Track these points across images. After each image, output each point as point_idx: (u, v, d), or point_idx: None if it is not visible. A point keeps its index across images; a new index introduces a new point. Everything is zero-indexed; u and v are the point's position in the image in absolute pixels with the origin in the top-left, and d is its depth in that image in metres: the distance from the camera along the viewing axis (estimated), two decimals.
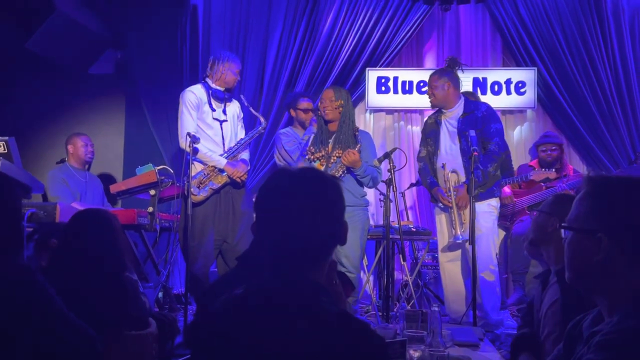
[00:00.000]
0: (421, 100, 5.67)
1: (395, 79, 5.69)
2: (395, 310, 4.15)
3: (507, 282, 4.86)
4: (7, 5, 4.60)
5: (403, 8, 5.57)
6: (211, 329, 1.20)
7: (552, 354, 1.41)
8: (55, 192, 4.33)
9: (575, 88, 5.44)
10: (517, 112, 5.72)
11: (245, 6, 5.71)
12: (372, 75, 5.67)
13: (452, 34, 5.81)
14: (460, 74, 4.13)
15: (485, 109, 3.97)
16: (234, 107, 4.03)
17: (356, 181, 3.76)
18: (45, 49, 4.96)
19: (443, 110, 4.03)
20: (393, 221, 3.95)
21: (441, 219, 4.07)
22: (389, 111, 5.85)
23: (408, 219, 5.05)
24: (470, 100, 4.17)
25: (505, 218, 4.75)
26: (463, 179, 3.89)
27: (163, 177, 4.13)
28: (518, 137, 5.72)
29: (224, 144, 3.88)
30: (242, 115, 4.11)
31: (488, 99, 5.22)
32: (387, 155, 3.92)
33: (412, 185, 5.24)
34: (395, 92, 5.69)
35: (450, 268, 4.02)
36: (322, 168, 3.70)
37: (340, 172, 3.69)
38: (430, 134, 4.08)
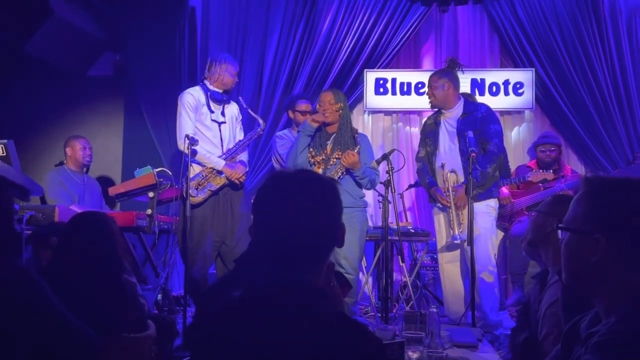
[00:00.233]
0: (419, 102, 5.68)
1: (394, 80, 5.70)
2: (394, 311, 4.15)
3: (506, 282, 4.86)
4: (5, 8, 4.60)
5: (401, 9, 5.58)
6: (210, 330, 1.20)
7: (550, 355, 1.41)
8: (53, 195, 4.32)
9: (573, 89, 5.45)
10: (515, 113, 5.73)
11: (243, 8, 5.71)
12: (371, 77, 5.68)
13: (450, 35, 5.82)
14: (459, 74, 4.14)
15: (484, 110, 3.97)
16: (232, 109, 4.03)
17: (355, 182, 3.76)
18: (43, 52, 4.96)
19: (442, 111, 4.04)
20: (392, 222, 3.95)
21: (439, 219, 4.07)
22: (388, 112, 5.86)
23: (407, 220, 5.05)
24: (470, 101, 4.17)
25: (504, 219, 4.75)
26: (462, 179, 3.89)
27: (162, 180, 4.13)
28: (516, 137, 5.73)
29: (222, 146, 3.89)
30: (240, 117, 4.11)
31: (486, 100, 5.23)
32: (385, 157, 3.93)
33: (410, 186, 5.24)
34: (394, 93, 5.70)
35: (450, 269, 4.03)
36: (320, 172, 3.70)
37: (340, 174, 3.70)
38: (429, 134, 4.09)
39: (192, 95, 3.86)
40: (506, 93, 5.58)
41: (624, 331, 1.08)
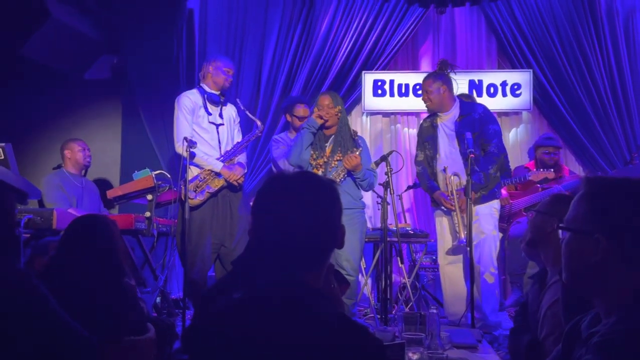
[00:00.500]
0: (417, 103, 5.66)
1: (392, 82, 5.71)
2: (393, 312, 4.15)
3: (505, 283, 4.87)
4: (1, 10, 4.59)
5: (398, 11, 5.59)
6: (209, 333, 1.20)
7: (551, 355, 1.41)
8: (52, 198, 4.31)
9: (570, 89, 5.46)
10: (512, 114, 5.74)
11: (241, 10, 5.71)
12: (369, 79, 5.68)
13: (448, 36, 5.83)
14: (455, 76, 4.14)
15: (482, 111, 3.97)
16: (230, 111, 4.03)
17: (355, 184, 3.77)
18: (40, 55, 4.95)
19: (439, 114, 4.03)
20: (390, 224, 3.96)
21: (442, 222, 4.06)
22: (386, 114, 5.86)
23: (405, 222, 5.05)
24: (466, 102, 4.16)
25: (502, 220, 4.75)
26: (465, 181, 3.88)
27: (160, 182, 4.13)
28: (514, 139, 5.73)
29: (220, 148, 3.88)
30: (238, 119, 4.11)
31: (484, 101, 5.23)
32: (384, 158, 3.94)
33: (409, 187, 5.24)
34: (392, 95, 5.71)
35: (451, 270, 4.02)
36: (320, 174, 3.70)
37: (342, 176, 3.71)
38: (428, 137, 4.07)
39: (189, 98, 3.86)
40: (504, 94, 5.59)
41: (624, 331, 1.08)
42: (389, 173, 3.84)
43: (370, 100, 5.71)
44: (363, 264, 4.33)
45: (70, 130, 5.48)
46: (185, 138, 3.66)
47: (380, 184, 3.98)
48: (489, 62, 5.82)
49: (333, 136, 3.80)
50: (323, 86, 5.54)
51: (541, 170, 4.57)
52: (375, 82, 5.70)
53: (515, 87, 5.59)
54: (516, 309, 3.22)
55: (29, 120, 5.58)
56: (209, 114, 3.88)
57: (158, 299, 4.25)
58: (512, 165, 5.18)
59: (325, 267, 1.27)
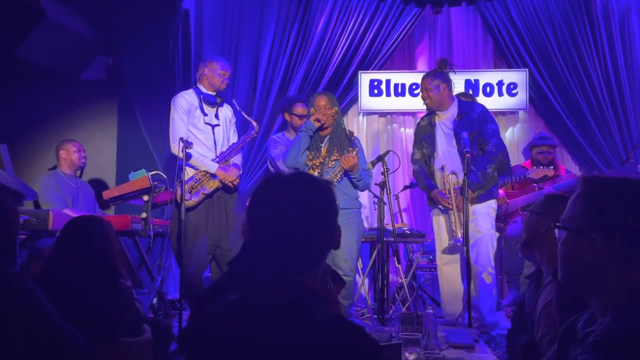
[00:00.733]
0: (414, 103, 5.69)
1: (388, 81, 5.71)
2: (390, 312, 4.15)
3: (502, 283, 4.87)
4: None
5: (395, 11, 5.59)
6: (205, 334, 1.19)
7: (546, 355, 1.41)
8: (47, 198, 4.29)
9: (566, 89, 5.48)
10: (509, 114, 5.75)
11: (237, 10, 5.71)
12: (365, 78, 5.68)
13: (444, 36, 5.83)
14: (452, 75, 4.14)
15: (480, 110, 3.96)
16: (226, 112, 4.02)
17: (351, 184, 3.77)
18: (36, 56, 4.94)
19: (437, 112, 4.02)
20: (387, 224, 3.95)
21: (439, 221, 4.05)
22: (382, 114, 5.86)
23: (402, 222, 5.05)
24: (464, 101, 4.16)
25: (499, 219, 4.75)
26: (462, 180, 3.88)
27: (156, 183, 4.12)
28: (510, 138, 5.74)
29: (216, 149, 3.88)
30: (234, 120, 4.10)
31: (480, 100, 5.23)
32: (380, 158, 3.94)
33: (405, 187, 5.24)
34: (388, 94, 5.71)
35: (449, 270, 4.02)
36: (317, 175, 3.71)
37: (339, 176, 3.71)
38: (425, 136, 4.07)
39: (185, 99, 3.85)
40: (500, 94, 5.60)
41: (619, 331, 1.08)
42: (386, 173, 3.84)
43: (366, 100, 5.71)
44: (360, 264, 4.33)
45: (66, 130, 5.47)
46: (181, 139, 3.66)
47: (376, 184, 3.98)
48: (485, 61, 5.83)
49: (328, 136, 3.80)
50: (319, 86, 5.54)
51: (541, 168, 4.57)
52: (372, 82, 5.70)
53: (512, 86, 5.60)
54: (513, 309, 3.22)
55: (25, 121, 5.56)
56: (205, 114, 3.87)
57: (155, 300, 4.24)
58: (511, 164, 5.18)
59: (321, 268, 1.26)
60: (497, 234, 4.81)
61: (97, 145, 5.56)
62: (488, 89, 5.60)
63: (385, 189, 3.81)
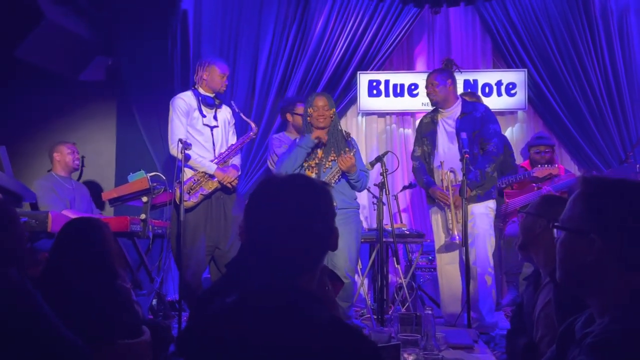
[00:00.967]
0: (413, 103, 5.69)
1: (387, 82, 5.71)
2: (390, 313, 4.15)
3: (501, 283, 4.87)
4: None
5: (393, 11, 5.59)
6: (204, 336, 1.19)
7: (545, 356, 1.41)
8: (45, 201, 4.29)
9: (565, 89, 5.48)
10: (507, 114, 5.75)
11: (236, 11, 5.70)
12: (364, 79, 5.68)
13: (443, 36, 5.83)
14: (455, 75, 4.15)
15: (483, 110, 3.96)
16: (224, 113, 4.02)
17: (349, 185, 3.77)
18: (34, 57, 4.93)
19: (440, 110, 4.02)
20: (386, 224, 3.95)
21: (437, 220, 4.05)
22: (381, 114, 5.86)
23: (401, 222, 5.05)
24: (468, 101, 4.15)
25: (498, 219, 4.75)
26: (461, 178, 3.87)
27: (155, 184, 4.11)
28: (509, 138, 5.71)
29: (214, 150, 3.88)
30: (233, 121, 4.10)
31: None
32: (379, 159, 3.93)
33: (405, 187, 5.24)
34: (387, 95, 5.71)
35: (449, 270, 4.01)
36: (314, 176, 3.70)
37: (336, 177, 3.71)
38: (427, 133, 4.07)
39: (184, 100, 3.85)
40: (499, 94, 5.60)
41: (618, 331, 1.08)
42: (385, 173, 3.83)
43: (365, 101, 5.70)
44: (359, 265, 4.32)
45: (65, 131, 5.46)
46: (180, 140, 3.65)
47: (375, 185, 3.97)
48: (484, 61, 5.83)
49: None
50: (318, 87, 5.54)
51: (546, 166, 4.58)
52: (371, 82, 5.70)
53: (510, 86, 5.60)
54: (512, 310, 3.22)
55: (23, 123, 5.55)
56: (204, 116, 3.87)
57: (154, 301, 4.24)
58: None
59: (318, 270, 1.26)
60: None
61: (96, 146, 5.55)
62: (487, 89, 5.60)
63: (384, 190, 3.81)
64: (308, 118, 3.81)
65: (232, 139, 4.03)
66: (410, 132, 5.80)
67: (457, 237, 3.79)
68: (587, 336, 1.12)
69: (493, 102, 5.55)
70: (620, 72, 5.44)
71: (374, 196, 4.40)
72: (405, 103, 5.71)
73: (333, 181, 3.68)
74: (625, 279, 1.14)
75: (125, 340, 2.37)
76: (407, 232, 4.46)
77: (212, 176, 3.80)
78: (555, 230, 1.27)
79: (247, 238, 1.25)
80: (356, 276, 4.08)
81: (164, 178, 4.22)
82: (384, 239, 3.85)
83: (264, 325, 1.13)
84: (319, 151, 3.80)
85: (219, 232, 3.82)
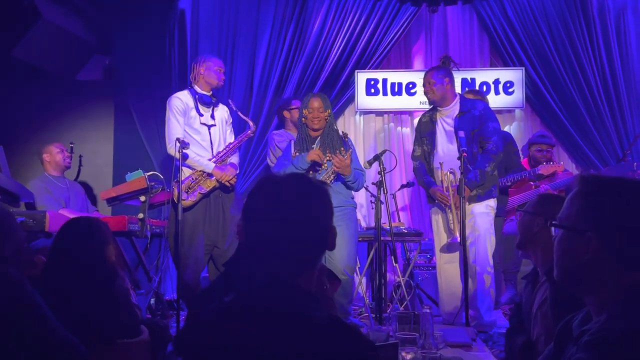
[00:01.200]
0: (411, 102, 5.69)
1: (385, 80, 5.71)
2: (388, 311, 4.15)
3: (500, 280, 4.87)
4: None
5: (391, 10, 5.59)
6: (201, 336, 1.19)
7: (543, 354, 1.41)
8: (41, 201, 4.28)
9: (563, 87, 5.49)
10: (505, 112, 5.75)
11: (233, 10, 5.70)
12: (361, 78, 5.68)
13: (440, 35, 5.84)
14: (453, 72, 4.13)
15: (482, 108, 3.91)
16: (222, 112, 4.02)
17: (345, 185, 3.76)
18: (31, 56, 4.93)
19: (439, 108, 3.99)
20: (384, 223, 3.95)
21: (438, 220, 4.04)
22: (379, 113, 5.87)
23: (399, 221, 5.05)
24: (467, 98, 4.12)
25: (500, 217, 4.74)
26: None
27: (153, 183, 4.11)
28: None
29: (212, 149, 3.87)
30: (231, 120, 4.10)
31: None
32: (377, 158, 3.93)
33: (402, 186, 5.24)
34: (385, 93, 5.71)
35: (448, 269, 4.00)
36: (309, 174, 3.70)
37: (332, 178, 3.70)
38: (426, 133, 4.05)
39: (180, 100, 3.84)
40: (496, 92, 5.60)
41: (615, 329, 1.08)
42: (383, 172, 3.83)
43: (363, 100, 5.71)
44: (357, 263, 4.32)
45: (62, 131, 5.46)
46: (177, 139, 3.65)
47: (373, 183, 3.97)
48: (482, 60, 5.84)
49: (319, 137, 3.79)
50: (316, 85, 5.54)
51: (551, 163, 4.58)
52: (368, 81, 5.70)
53: (508, 85, 5.61)
54: (511, 308, 3.22)
55: (21, 122, 5.54)
56: (201, 115, 3.86)
57: (152, 301, 4.23)
58: None
59: (316, 269, 1.26)
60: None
61: (94, 146, 5.55)
62: (484, 88, 5.60)
63: (382, 188, 3.81)
64: (303, 119, 3.80)
65: (230, 138, 4.03)
66: (408, 131, 5.81)
67: (458, 238, 3.78)
68: (585, 334, 1.12)
69: (490, 101, 5.51)
70: (617, 70, 5.45)
71: (372, 195, 4.40)
72: (403, 102, 5.71)
73: (329, 181, 3.67)
74: (623, 277, 1.15)
75: (124, 339, 2.37)
76: (405, 231, 4.47)
77: (210, 175, 3.79)
78: (553, 228, 1.28)
79: (245, 237, 1.25)
80: (354, 274, 4.08)
81: (162, 177, 4.22)
82: (382, 238, 3.85)
83: (262, 325, 1.12)
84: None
85: (218, 231, 3.82)
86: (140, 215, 3.99)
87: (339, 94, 5.63)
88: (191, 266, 3.73)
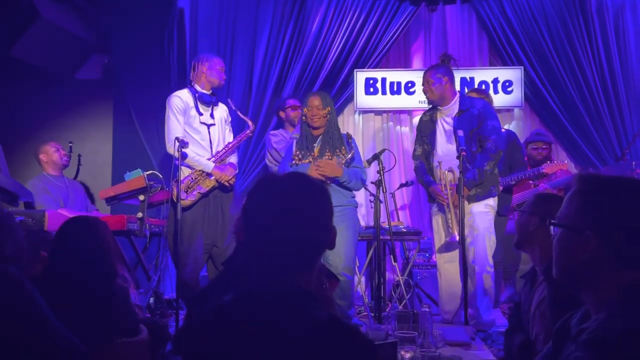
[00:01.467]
0: (410, 101, 5.70)
1: (384, 80, 5.71)
2: (387, 310, 4.15)
3: (499, 279, 4.87)
4: None
5: (390, 9, 5.60)
6: (201, 335, 1.19)
7: (541, 353, 1.41)
8: (39, 201, 4.27)
9: (561, 86, 5.49)
10: (504, 111, 5.76)
11: (232, 9, 5.70)
12: (361, 77, 5.68)
13: (439, 34, 5.84)
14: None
15: (481, 107, 3.88)
16: (221, 111, 4.01)
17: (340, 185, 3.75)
18: (30, 55, 4.92)
19: (439, 108, 3.97)
20: (383, 222, 3.95)
21: (438, 220, 4.03)
22: (378, 112, 5.87)
23: (398, 220, 5.05)
24: (466, 97, 4.11)
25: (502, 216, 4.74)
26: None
27: (152, 182, 4.11)
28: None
29: (211, 148, 3.87)
30: (229, 119, 4.09)
31: None
32: (376, 157, 3.93)
33: (402, 185, 5.25)
34: (384, 93, 5.71)
35: (447, 268, 3.99)
36: None
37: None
38: (426, 132, 4.04)
39: (180, 98, 3.83)
40: (495, 91, 5.61)
41: (613, 327, 1.08)
42: (382, 171, 3.83)
43: (362, 99, 5.71)
44: (356, 262, 4.32)
45: (61, 131, 5.46)
46: (176, 138, 3.64)
47: (372, 183, 3.97)
48: (481, 59, 5.84)
49: (321, 136, 3.79)
50: (315, 85, 5.54)
51: (555, 162, 4.58)
52: (367, 80, 5.70)
53: (507, 84, 5.61)
54: (510, 307, 3.21)
55: (20, 121, 5.54)
56: (200, 114, 3.86)
57: (151, 300, 4.23)
58: None
59: (316, 268, 1.26)
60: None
61: (93, 145, 5.55)
62: (483, 87, 5.60)
63: (381, 187, 3.81)
64: (304, 118, 3.80)
65: (229, 137, 4.03)
66: (407, 130, 5.81)
67: (457, 237, 3.77)
68: (583, 332, 1.12)
69: None
70: (616, 69, 5.46)
71: (371, 194, 4.40)
72: (402, 101, 5.71)
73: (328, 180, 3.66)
74: (621, 276, 1.15)
75: (123, 338, 2.37)
76: (404, 230, 4.47)
77: (209, 174, 3.79)
78: (551, 227, 1.28)
79: (244, 236, 1.25)
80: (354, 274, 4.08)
81: (161, 176, 4.22)
82: (381, 237, 3.85)
83: (260, 324, 1.13)
84: (316, 150, 3.79)
85: (217, 231, 3.82)
86: (139, 215, 3.99)
87: (338, 93, 5.63)
88: (190, 265, 3.73)
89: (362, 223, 4.91)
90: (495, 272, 4.13)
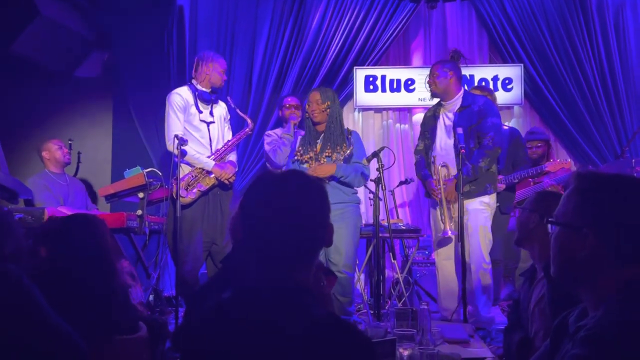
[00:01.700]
0: (409, 99, 5.69)
1: (383, 77, 5.71)
2: (386, 308, 4.16)
3: (498, 276, 4.87)
4: None
5: (389, 7, 5.59)
6: (199, 332, 1.19)
7: (539, 350, 1.41)
8: (40, 199, 4.28)
9: (561, 84, 5.49)
10: (504, 109, 5.75)
11: (232, 6, 5.69)
12: (360, 74, 5.68)
13: (439, 31, 5.83)
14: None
15: (482, 103, 3.88)
16: (221, 109, 4.01)
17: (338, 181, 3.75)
18: (30, 52, 4.92)
19: (442, 103, 3.99)
20: (383, 219, 3.95)
21: (435, 215, 4.04)
22: (378, 110, 5.87)
23: (398, 217, 5.05)
24: (469, 93, 4.10)
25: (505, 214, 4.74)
26: (454, 172, 3.84)
27: (151, 180, 4.11)
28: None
29: (211, 146, 3.87)
30: (229, 117, 4.09)
31: None
32: (375, 155, 3.92)
33: (401, 183, 5.25)
34: (384, 90, 5.71)
35: (445, 265, 4.00)
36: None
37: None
38: (428, 127, 4.06)
39: (180, 96, 3.83)
40: (495, 89, 5.60)
41: (611, 324, 1.08)
42: (381, 169, 3.83)
43: (362, 96, 5.71)
44: (356, 260, 4.32)
45: (60, 128, 5.46)
46: (176, 136, 3.64)
47: (372, 180, 3.97)
48: (481, 56, 5.84)
49: (323, 133, 3.79)
50: (315, 82, 5.54)
51: (558, 160, 4.58)
52: (367, 77, 5.70)
53: (507, 81, 5.61)
54: (509, 305, 3.21)
55: (19, 118, 5.54)
56: (200, 112, 3.86)
57: (151, 297, 4.24)
58: None
59: (313, 266, 1.26)
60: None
61: (93, 143, 5.55)
62: (483, 84, 5.60)
63: (380, 185, 3.81)
64: (306, 114, 3.81)
65: (228, 135, 4.03)
66: (407, 128, 5.81)
67: (450, 232, 3.78)
68: (581, 329, 1.13)
69: None
70: (616, 66, 5.46)
71: (371, 191, 4.39)
72: (401, 98, 5.71)
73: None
74: (618, 274, 1.15)
75: (122, 336, 2.37)
76: (404, 228, 4.47)
77: (209, 172, 3.79)
78: (549, 225, 1.28)
79: (242, 233, 1.25)
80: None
81: (161, 174, 4.22)
82: (380, 234, 3.85)
83: (259, 321, 1.13)
84: (318, 145, 3.79)
85: (216, 228, 3.82)
86: (139, 212, 3.99)
87: (338, 91, 5.62)
88: (190, 263, 3.73)
89: (362, 221, 4.91)
90: (496, 270, 4.13)
